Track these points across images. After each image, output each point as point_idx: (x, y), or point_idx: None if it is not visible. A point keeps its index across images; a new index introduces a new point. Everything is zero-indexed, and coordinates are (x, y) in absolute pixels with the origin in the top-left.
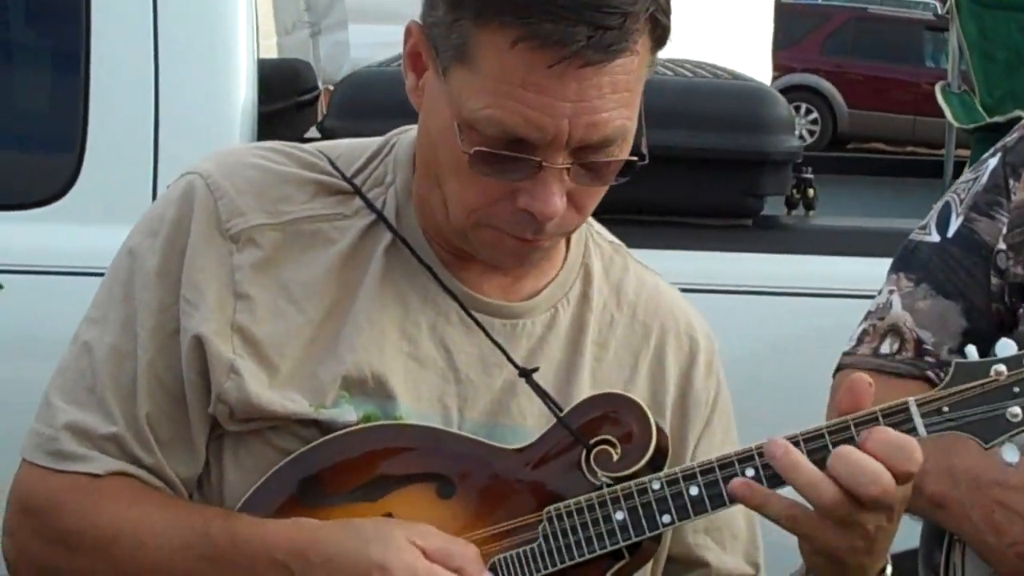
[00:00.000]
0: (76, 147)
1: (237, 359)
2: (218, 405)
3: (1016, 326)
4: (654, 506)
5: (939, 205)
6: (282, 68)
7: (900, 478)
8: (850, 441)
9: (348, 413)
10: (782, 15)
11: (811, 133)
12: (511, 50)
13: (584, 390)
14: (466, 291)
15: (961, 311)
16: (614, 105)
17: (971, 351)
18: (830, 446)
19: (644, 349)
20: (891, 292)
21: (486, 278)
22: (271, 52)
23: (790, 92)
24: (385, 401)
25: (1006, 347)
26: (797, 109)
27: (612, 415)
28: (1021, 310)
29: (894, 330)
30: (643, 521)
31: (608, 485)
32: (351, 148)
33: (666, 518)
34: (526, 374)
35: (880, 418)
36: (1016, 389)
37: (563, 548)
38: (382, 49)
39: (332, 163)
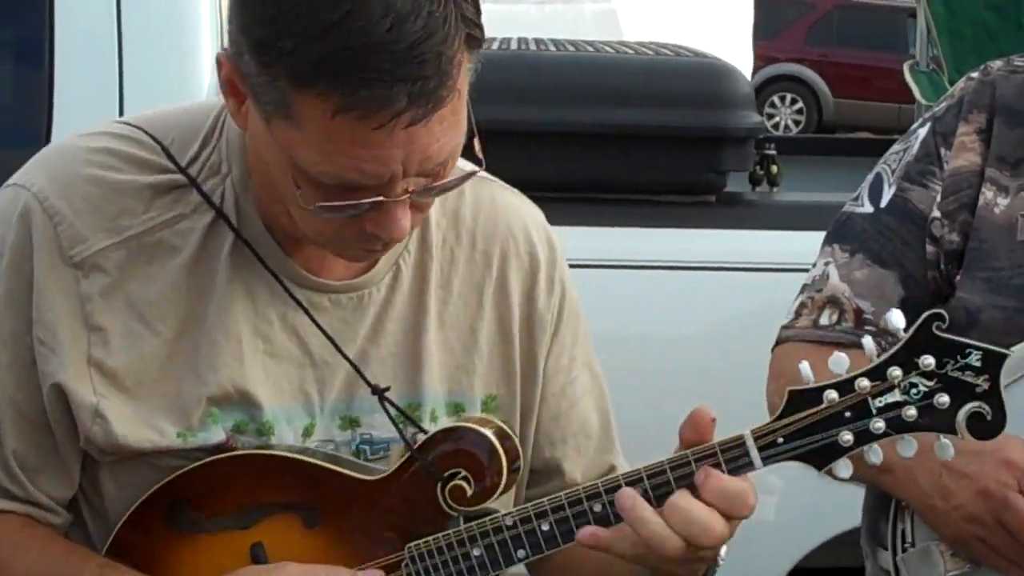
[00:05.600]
0: (41, 138)
1: (100, 400)
2: (88, 444)
3: (953, 294)
4: (509, 543)
5: (870, 177)
6: None
7: (735, 520)
8: (690, 476)
9: (216, 434)
10: (766, 5)
11: (796, 123)
12: (333, 120)
13: (431, 336)
14: (311, 278)
15: (898, 279)
16: (444, 135)
17: (894, 317)
18: (672, 481)
19: (487, 279)
20: (827, 264)
21: (327, 255)
22: None
23: (775, 82)
24: (252, 409)
25: (838, 362)
26: (782, 99)
27: (464, 449)
28: (957, 278)
29: (833, 301)
30: (499, 557)
31: (465, 520)
32: (183, 129)
33: (521, 553)
34: (379, 392)
35: (719, 452)
36: (848, 414)
37: None
38: None
39: (166, 150)
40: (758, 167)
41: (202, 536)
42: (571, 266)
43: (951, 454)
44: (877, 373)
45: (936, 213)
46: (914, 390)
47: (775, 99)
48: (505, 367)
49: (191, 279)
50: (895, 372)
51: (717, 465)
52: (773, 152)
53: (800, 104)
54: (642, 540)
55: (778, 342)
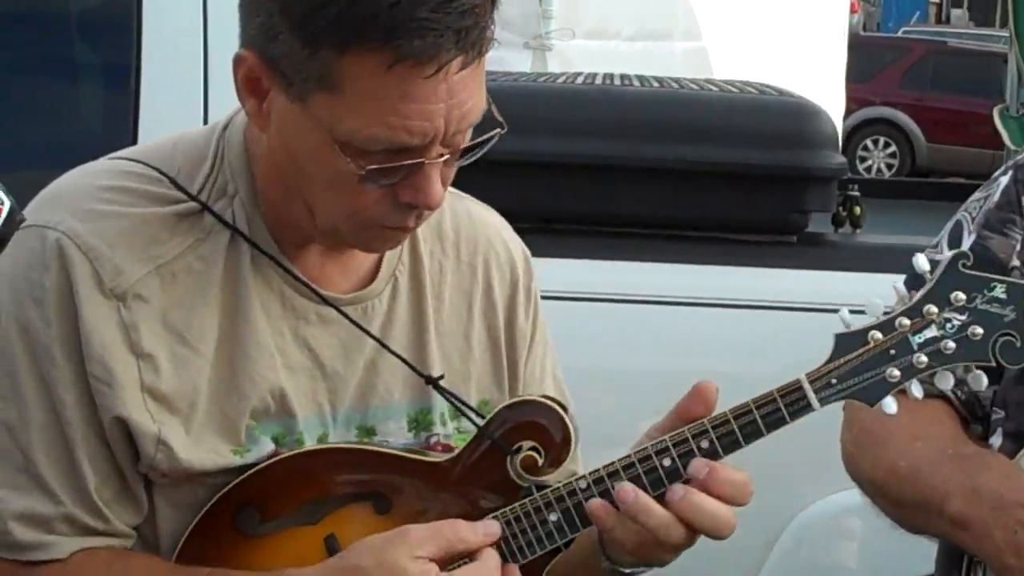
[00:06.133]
0: None
1: (160, 426)
2: (150, 471)
3: None
4: (585, 506)
5: (950, 224)
6: None
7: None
8: (755, 423)
9: (266, 444)
10: (861, 49)
11: (889, 167)
12: (388, 73)
13: (433, 344)
14: (320, 291)
15: None
16: (476, 93)
17: (920, 260)
18: (737, 430)
19: (475, 289)
20: None
21: (326, 267)
22: None
23: (869, 126)
24: (287, 419)
25: (873, 307)
26: (875, 143)
27: (530, 420)
28: None
29: None
30: (576, 519)
31: (539, 490)
32: (188, 159)
33: None
34: (432, 381)
35: (778, 397)
36: (892, 351)
37: (507, 555)
38: None
39: (174, 182)
40: (841, 208)
41: (272, 536)
42: (649, 303)
43: (984, 384)
44: (914, 311)
45: (1016, 262)
46: (949, 324)
47: (868, 143)
48: (495, 373)
49: (220, 298)
50: (931, 309)
51: (777, 410)
52: (856, 193)
53: (893, 148)
54: (648, 530)
55: None
